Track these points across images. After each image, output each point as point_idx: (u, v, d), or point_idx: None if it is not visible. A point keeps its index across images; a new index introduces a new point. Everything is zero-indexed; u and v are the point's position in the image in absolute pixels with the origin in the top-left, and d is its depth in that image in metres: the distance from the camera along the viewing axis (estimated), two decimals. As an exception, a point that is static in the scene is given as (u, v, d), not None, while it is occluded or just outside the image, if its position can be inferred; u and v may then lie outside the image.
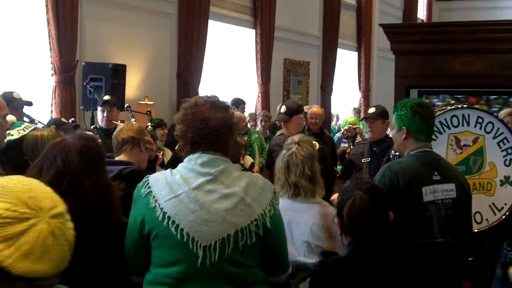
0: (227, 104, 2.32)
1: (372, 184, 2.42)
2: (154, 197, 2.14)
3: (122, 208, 2.27)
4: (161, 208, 2.11)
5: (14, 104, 4.50)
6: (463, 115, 3.55)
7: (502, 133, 3.52)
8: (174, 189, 2.13)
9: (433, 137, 3.22)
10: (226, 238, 2.10)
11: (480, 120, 3.54)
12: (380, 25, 5.96)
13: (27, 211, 1.30)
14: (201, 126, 2.16)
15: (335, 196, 4.58)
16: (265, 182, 2.27)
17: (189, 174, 2.16)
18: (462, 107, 3.62)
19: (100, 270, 2.18)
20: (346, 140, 8.16)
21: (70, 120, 4.96)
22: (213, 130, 2.17)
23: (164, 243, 2.13)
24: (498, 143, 3.53)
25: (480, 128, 3.54)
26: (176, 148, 5.18)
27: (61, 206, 1.40)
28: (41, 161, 2.17)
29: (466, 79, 5.32)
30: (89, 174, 2.15)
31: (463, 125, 3.56)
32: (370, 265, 2.26)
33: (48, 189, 1.41)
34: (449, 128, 3.53)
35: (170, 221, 2.09)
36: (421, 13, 18.57)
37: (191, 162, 2.18)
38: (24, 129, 3.09)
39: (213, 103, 2.22)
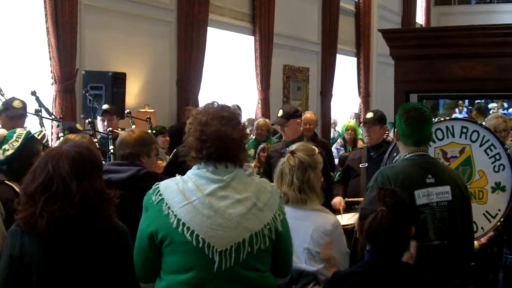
0: (238, 112, 2.34)
1: (398, 198, 2.33)
2: (166, 204, 2.16)
3: (115, 214, 2.28)
4: (175, 215, 2.13)
5: (9, 112, 4.54)
6: (447, 127, 3.54)
7: (488, 140, 3.51)
8: (187, 195, 2.15)
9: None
10: (241, 242, 2.13)
11: (464, 130, 3.53)
12: (379, 30, 5.97)
13: None
14: (220, 145, 2.18)
15: (336, 200, 4.58)
16: (272, 187, 2.32)
17: (201, 180, 2.19)
18: (445, 120, 3.60)
19: (91, 275, 2.20)
20: (342, 149, 8.15)
21: (87, 121, 5.00)
22: (229, 149, 2.20)
23: (179, 250, 2.14)
24: (485, 151, 3.51)
25: (466, 138, 3.52)
26: (174, 152, 5.21)
27: None
28: (35, 168, 2.23)
29: (465, 83, 5.32)
30: (79, 180, 2.17)
31: (448, 137, 3.54)
32: (384, 277, 2.24)
33: None
34: (434, 142, 3.50)
35: (185, 228, 2.11)
36: (420, 18, 18.61)
37: (202, 170, 2.21)
38: (17, 139, 3.09)
39: (228, 118, 2.23)
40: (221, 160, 2.20)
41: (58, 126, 5.07)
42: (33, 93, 5.12)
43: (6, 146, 3.06)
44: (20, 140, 3.08)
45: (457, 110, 6.68)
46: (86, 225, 2.17)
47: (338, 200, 4.58)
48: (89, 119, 5.10)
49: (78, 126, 5.03)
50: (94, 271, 2.20)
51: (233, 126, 2.22)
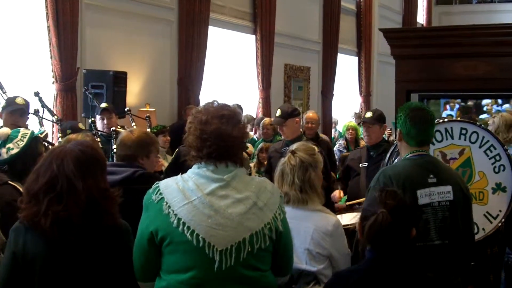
0: (238, 111, 2.33)
1: (399, 200, 2.34)
2: (167, 203, 2.15)
3: (119, 213, 2.28)
4: (175, 214, 2.12)
5: (10, 108, 4.55)
6: (445, 129, 3.53)
7: (488, 141, 3.50)
8: (188, 195, 2.15)
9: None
10: (242, 241, 2.13)
11: (463, 132, 3.52)
12: (380, 29, 5.97)
13: None
14: (220, 144, 2.18)
15: (335, 193, 4.59)
16: (273, 186, 2.32)
17: (201, 180, 2.18)
18: (443, 121, 3.59)
19: (95, 273, 2.20)
20: (345, 151, 8.13)
21: (90, 120, 5.02)
22: (229, 148, 2.19)
23: (179, 249, 2.13)
24: (485, 152, 3.50)
25: (465, 139, 3.51)
26: (176, 152, 5.21)
27: None
28: (39, 167, 2.22)
29: (467, 82, 5.32)
30: (84, 179, 2.17)
31: (447, 139, 3.53)
32: (385, 276, 2.24)
33: None
34: (433, 144, 3.49)
35: (185, 227, 2.10)
36: (421, 18, 18.59)
37: (202, 169, 2.20)
38: (22, 138, 3.07)
39: (228, 116, 2.22)
40: (221, 159, 2.19)
41: (60, 126, 5.08)
42: (36, 94, 5.12)
43: (10, 145, 3.02)
44: (25, 140, 3.05)
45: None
46: (91, 224, 2.17)
47: (336, 193, 4.59)
48: (92, 119, 5.11)
49: (80, 125, 5.04)
50: (97, 269, 2.20)
51: (234, 125, 2.22)
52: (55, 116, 5.15)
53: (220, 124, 2.19)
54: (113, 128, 4.90)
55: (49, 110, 5.17)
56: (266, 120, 7.59)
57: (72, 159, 2.18)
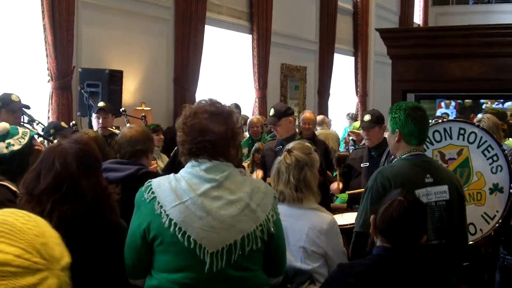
0: (231, 110, 2.28)
1: (418, 199, 2.40)
2: (159, 203, 2.13)
3: (119, 210, 2.27)
4: (167, 215, 2.10)
5: (11, 106, 4.51)
6: (444, 129, 3.52)
7: (486, 141, 3.50)
8: (180, 195, 2.12)
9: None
10: (233, 244, 2.11)
11: (462, 132, 3.52)
12: (377, 30, 5.98)
13: (40, 261, 1.08)
14: (199, 139, 2.15)
15: (333, 185, 4.59)
16: (266, 187, 2.29)
17: (194, 180, 2.15)
18: (442, 121, 3.58)
19: (98, 271, 2.19)
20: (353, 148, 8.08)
21: (71, 124, 4.97)
22: (209, 144, 2.15)
23: (170, 250, 2.12)
24: (482, 152, 3.50)
25: (463, 140, 3.51)
26: (174, 152, 5.20)
27: (67, 257, 1.19)
28: (39, 166, 2.18)
29: (462, 83, 5.33)
30: (87, 178, 2.16)
31: (445, 139, 3.52)
32: (391, 272, 2.23)
33: (56, 234, 1.20)
34: (432, 144, 3.49)
35: (176, 228, 2.08)
36: (418, 18, 18.61)
37: (195, 168, 2.17)
38: (23, 136, 3.04)
39: (214, 112, 2.19)
40: (202, 155, 2.16)
41: (43, 129, 4.98)
42: (27, 107, 4.99)
43: (11, 141, 2.95)
44: (26, 138, 3.01)
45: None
46: (95, 222, 2.16)
47: (335, 184, 4.59)
48: (73, 122, 5.06)
49: (63, 124, 4.99)
50: (98, 268, 2.19)
51: (218, 121, 2.18)
52: (36, 121, 5.01)
53: (202, 119, 2.17)
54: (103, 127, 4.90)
55: (30, 116, 5.03)
56: (254, 118, 7.59)
57: (74, 158, 2.16)
